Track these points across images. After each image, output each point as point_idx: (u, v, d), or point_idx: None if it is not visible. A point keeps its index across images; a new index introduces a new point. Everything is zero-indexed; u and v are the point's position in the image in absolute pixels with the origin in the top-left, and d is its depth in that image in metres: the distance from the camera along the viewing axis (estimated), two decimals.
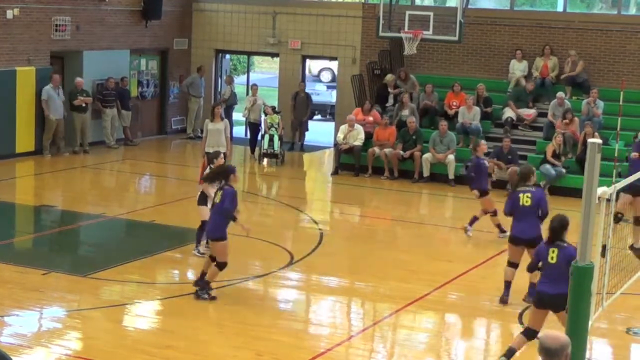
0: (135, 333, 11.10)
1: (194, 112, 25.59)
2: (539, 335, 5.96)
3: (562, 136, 20.00)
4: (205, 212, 13.20)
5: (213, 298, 11.96)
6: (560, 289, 9.01)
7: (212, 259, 12.07)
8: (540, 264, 10.01)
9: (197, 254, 13.85)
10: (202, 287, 12.00)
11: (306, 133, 24.95)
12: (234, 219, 12.00)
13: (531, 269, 10.59)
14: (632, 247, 14.97)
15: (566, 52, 22.28)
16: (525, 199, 12.09)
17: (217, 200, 11.99)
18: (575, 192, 16.87)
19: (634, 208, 15.14)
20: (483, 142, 16.45)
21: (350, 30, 24.58)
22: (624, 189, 13.91)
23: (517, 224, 12.16)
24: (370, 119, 22.04)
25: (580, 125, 20.34)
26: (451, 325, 12.05)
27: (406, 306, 12.17)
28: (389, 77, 22.99)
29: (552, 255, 9.69)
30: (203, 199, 13.63)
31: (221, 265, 11.92)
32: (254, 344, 10.55)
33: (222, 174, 12.24)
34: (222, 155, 13.91)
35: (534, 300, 10.04)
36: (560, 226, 9.79)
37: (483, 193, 15.72)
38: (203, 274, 12.14)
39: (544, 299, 9.69)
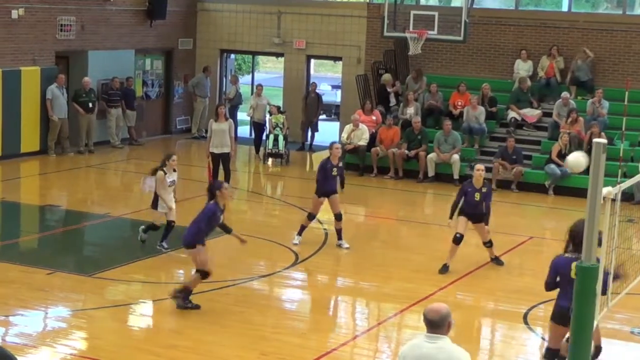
0: (140, 333, 11.12)
1: (199, 112, 25.60)
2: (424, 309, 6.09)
3: (567, 136, 19.99)
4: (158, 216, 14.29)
5: (196, 307, 11.64)
6: None
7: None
8: (557, 278, 9.05)
9: (163, 249, 14.32)
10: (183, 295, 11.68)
11: (315, 133, 24.89)
12: (229, 231, 12.09)
13: (549, 286, 9.26)
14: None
15: (571, 51, 22.26)
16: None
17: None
18: (580, 192, 16.92)
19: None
20: None
21: (355, 30, 24.57)
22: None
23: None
24: (373, 118, 22.02)
25: (585, 125, 20.32)
26: (455, 325, 12.01)
27: (411, 306, 12.17)
28: (386, 77, 22.96)
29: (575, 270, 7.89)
30: (156, 202, 14.29)
31: (201, 274, 11.70)
32: (259, 344, 10.56)
33: (209, 190, 11.93)
34: (173, 157, 14.14)
35: (555, 315, 9.14)
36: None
37: None
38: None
39: (568, 314, 8.16)
